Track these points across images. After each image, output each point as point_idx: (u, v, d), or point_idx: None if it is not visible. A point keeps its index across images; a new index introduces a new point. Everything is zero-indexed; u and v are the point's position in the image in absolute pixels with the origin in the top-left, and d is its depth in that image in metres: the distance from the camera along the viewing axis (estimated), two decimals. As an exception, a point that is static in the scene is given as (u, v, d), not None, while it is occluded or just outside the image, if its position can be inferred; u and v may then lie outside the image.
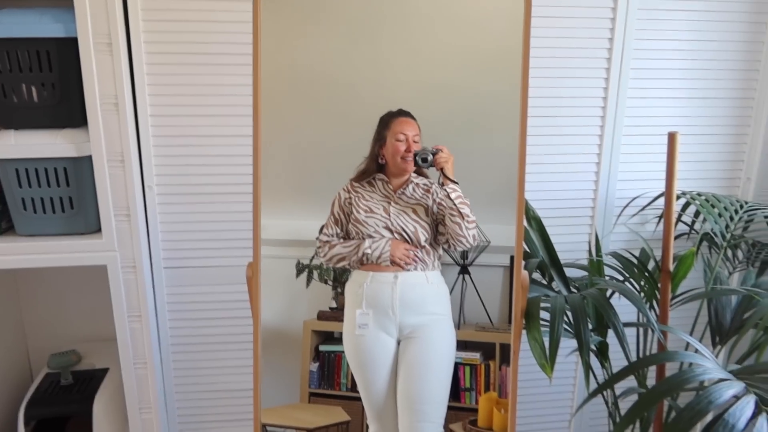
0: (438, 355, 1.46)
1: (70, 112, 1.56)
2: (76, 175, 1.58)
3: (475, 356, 1.71)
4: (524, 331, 1.22)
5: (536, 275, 1.40)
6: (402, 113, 1.44)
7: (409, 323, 1.44)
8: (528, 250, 1.41)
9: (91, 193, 1.59)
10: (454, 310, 1.56)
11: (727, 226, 1.45)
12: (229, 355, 1.79)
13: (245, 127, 1.57)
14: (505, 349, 1.62)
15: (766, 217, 1.54)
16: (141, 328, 1.68)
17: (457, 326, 1.62)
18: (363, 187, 1.45)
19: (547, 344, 1.06)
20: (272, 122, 1.42)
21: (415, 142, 1.41)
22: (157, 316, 1.71)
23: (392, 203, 1.43)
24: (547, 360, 1.03)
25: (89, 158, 1.55)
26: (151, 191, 1.63)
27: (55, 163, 1.55)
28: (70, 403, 1.86)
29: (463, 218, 1.36)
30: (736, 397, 0.90)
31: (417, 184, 1.43)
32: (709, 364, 0.98)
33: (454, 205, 1.36)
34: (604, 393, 1.38)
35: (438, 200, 1.40)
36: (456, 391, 1.72)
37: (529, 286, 1.13)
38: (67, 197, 1.59)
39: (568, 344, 1.68)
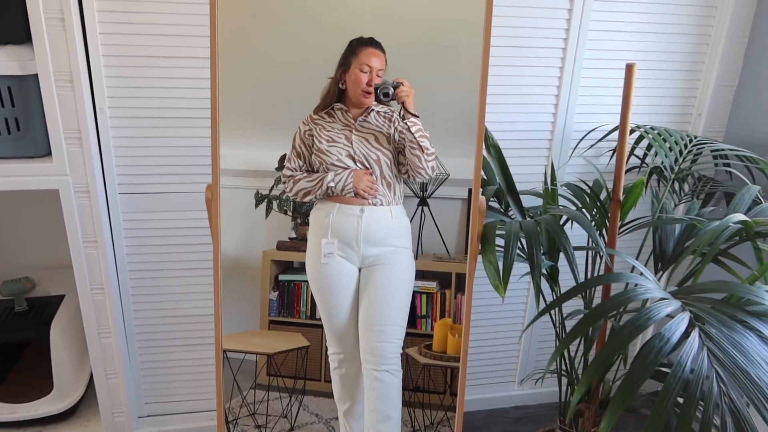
0: (397, 282, 1.51)
1: (12, 27, 1.48)
2: (22, 94, 1.51)
3: (431, 285, 1.77)
4: (479, 256, 1.26)
5: (493, 203, 1.44)
6: (372, 43, 1.41)
7: (371, 254, 1.47)
8: (486, 179, 1.43)
9: (39, 114, 1.53)
10: (412, 241, 1.61)
11: (676, 160, 1.50)
12: (188, 281, 1.79)
13: (202, 48, 1.52)
14: (461, 278, 1.67)
15: (713, 151, 1.60)
16: (97, 254, 1.66)
17: (415, 256, 1.67)
18: (323, 119, 1.44)
19: (501, 267, 1.10)
20: (230, 48, 1.37)
21: (378, 76, 1.40)
22: (114, 243, 1.69)
23: (353, 131, 1.42)
24: (501, 281, 1.07)
25: (35, 77, 1.48)
26: (103, 113, 1.57)
27: (-1, 81, 1.48)
28: (26, 328, 1.85)
29: (422, 151, 1.37)
30: (671, 316, 0.96)
31: (378, 113, 1.42)
32: (651, 285, 1.04)
33: (414, 138, 1.36)
34: (553, 315, 1.46)
35: (399, 129, 1.39)
36: (413, 318, 1.78)
37: (485, 211, 1.16)
38: (13, 118, 1.52)
39: (519, 268, 1.76)
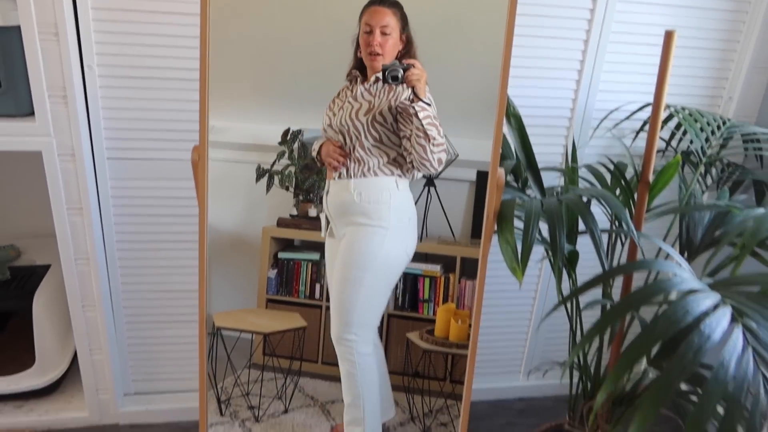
0: (353, 264, 1.42)
1: (-7, -27, 1.37)
2: (3, 48, 1.41)
3: (435, 269, 1.69)
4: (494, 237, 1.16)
5: (510, 179, 1.33)
6: (376, 1, 1.31)
7: (340, 230, 1.43)
8: (502, 154, 1.32)
9: (22, 70, 1.43)
10: (417, 223, 1.52)
11: (707, 140, 1.38)
12: (179, 254, 1.69)
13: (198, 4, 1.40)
14: (466, 262, 1.60)
15: (743, 135, 1.48)
16: (82, 222, 1.56)
17: (420, 238, 1.58)
18: (347, 85, 1.39)
19: (519, 249, 0.99)
20: (232, 16, 1.29)
21: (385, 34, 1.29)
22: (101, 211, 1.59)
23: (348, 100, 1.36)
24: (518, 264, 0.97)
25: (17, 29, 1.38)
26: (91, 71, 1.46)
27: (-22, 32, 1.37)
28: (7, 299, 1.77)
29: (428, 140, 1.26)
30: (713, 309, 0.86)
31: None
32: (686, 274, 0.93)
33: (422, 125, 1.25)
34: (567, 304, 1.35)
35: (399, 103, 1.29)
36: (414, 302, 1.70)
37: (504, 187, 1.05)
38: (-6, 73, 1.42)
39: (533, 252, 1.66)
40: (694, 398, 1.14)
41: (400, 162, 1.36)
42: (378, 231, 1.40)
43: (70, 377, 1.89)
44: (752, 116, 1.81)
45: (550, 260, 1.03)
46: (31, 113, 1.46)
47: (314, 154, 1.42)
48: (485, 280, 1.17)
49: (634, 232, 1.04)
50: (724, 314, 0.85)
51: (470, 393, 1.28)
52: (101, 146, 1.54)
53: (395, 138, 1.33)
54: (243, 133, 1.54)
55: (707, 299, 0.87)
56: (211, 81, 1.19)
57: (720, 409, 0.77)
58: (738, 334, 0.83)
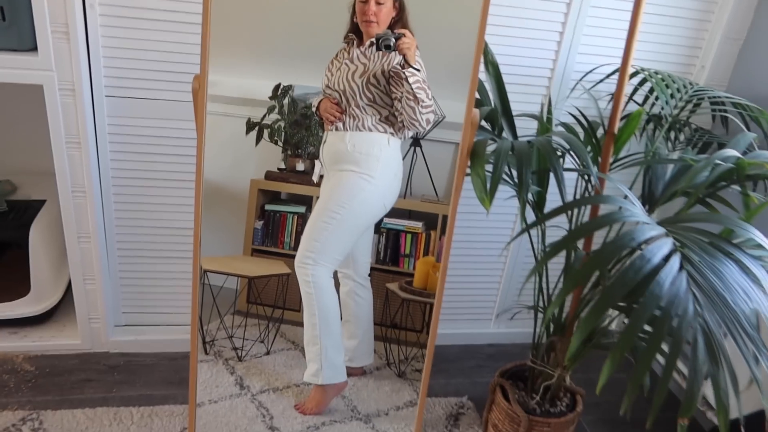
0: (331, 200, 1.55)
1: None
2: (7, -19, 1.45)
3: (417, 225, 1.77)
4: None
5: (486, 125, 1.42)
6: None
7: (332, 175, 1.55)
8: (480, 100, 1.41)
9: (25, 5, 1.47)
10: (402, 181, 1.60)
11: (672, 98, 1.48)
12: (172, 192, 1.76)
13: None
14: (447, 220, 1.68)
15: (710, 98, 1.58)
16: (80, 156, 1.63)
17: (404, 196, 1.67)
18: (344, 48, 1.48)
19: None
20: None
21: (378, 3, 1.38)
22: (98, 146, 1.66)
23: (345, 62, 1.45)
24: (487, 194, 1.06)
25: (22, -37, 1.43)
26: (92, 9, 1.51)
27: (-17, -35, 1.41)
28: (6, 229, 1.84)
29: (417, 102, 1.37)
30: (656, 238, 0.96)
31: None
32: (637, 210, 1.03)
33: (411, 88, 1.36)
34: (535, 249, 1.46)
35: (391, 68, 1.40)
36: (396, 257, 1.79)
37: (478, 126, 1.14)
38: (-1, 7, 1.47)
39: (506, 192, 1.76)
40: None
41: (392, 121, 1.46)
42: (363, 177, 1.51)
43: (63, 307, 1.98)
44: (723, 84, 1.91)
45: (518, 197, 1.12)
46: (33, 48, 1.51)
47: (314, 109, 1.52)
48: (456, 232, 1.26)
49: (592, 171, 1.14)
50: (666, 243, 0.96)
51: (437, 325, 1.38)
52: (100, 83, 1.60)
53: (387, 99, 1.44)
54: (234, 87, 1.59)
55: (652, 230, 0.97)
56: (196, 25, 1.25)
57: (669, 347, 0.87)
58: (675, 259, 0.93)
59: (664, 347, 0.88)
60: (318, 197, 1.60)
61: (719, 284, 0.91)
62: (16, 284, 1.92)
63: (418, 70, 1.36)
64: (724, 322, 0.88)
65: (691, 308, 0.88)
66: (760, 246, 1.02)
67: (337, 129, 1.49)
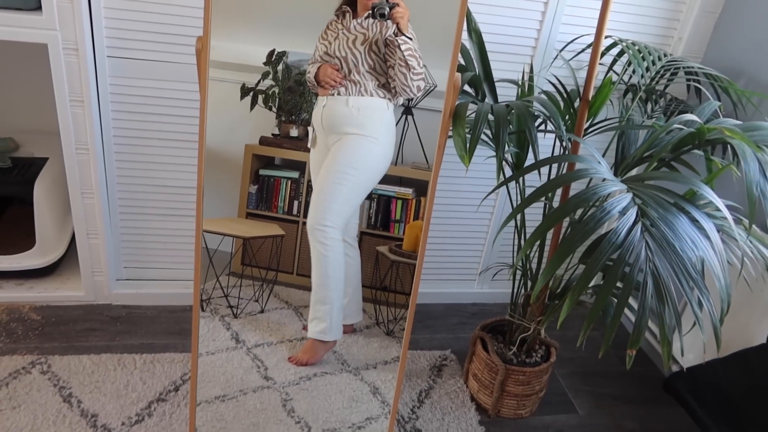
0: (338, 162, 1.61)
1: None
2: (13, -58, 1.50)
3: (407, 191, 1.85)
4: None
5: (470, 91, 1.50)
6: None
7: (332, 139, 1.59)
8: (464, 66, 1.49)
9: (30, -36, 1.53)
10: (394, 149, 1.68)
11: (647, 69, 1.56)
12: (170, 152, 1.84)
13: None
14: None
15: (684, 68, 1.66)
16: (83, 114, 1.70)
17: (395, 163, 1.74)
18: (336, 18, 1.53)
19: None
20: None
21: None
22: (100, 105, 1.72)
23: (342, 31, 1.51)
24: (467, 152, 1.16)
25: (27, -76, 1.48)
26: (94, -29, 1.57)
27: (-11, -76, 1.46)
28: (10, 184, 1.91)
29: (409, 69, 1.45)
30: (617, 193, 1.06)
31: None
32: (603, 169, 1.13)
33: (403, 56, 1.44)
34: (514, 204, 1.55)
35: (389, 42, 1.47)
36: (386, 222, 1.87)
37: (460, 90, 1.23)
38: (3, -34, 1.52)
39: (485, 151, 1.84)
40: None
41: (389, 87, 1.54)
42: (369, 140, 1.59)
43: (66, 261, 2.07)
44: (699, 56, 1.99)
45: (495, 155, 1.21)
46: (37, 8, 1.57)
47: (309, 76, 1.55)
48: (440, 197, 1.35)
49: (564, 132, 1.23)
50: (625, 198, 1.06)
51: (420, 272, 1.48)
52: (102, 44, 1.66)
53: (386, 66, 1.52)
54: (228, 53, 1.64)
55: (614, 186, 1.07)
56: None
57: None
58: (633, 212, 1.03)
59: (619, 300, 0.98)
60: (309, 162, 1.67)
61: (670, 234, 1.01)
62: (21, 238, 2.00)
63: (410, 38, 1.43)
64: (672, 267, 0.98)
65: (643, 254, 0.98)
66: (713, 204, 1.12)
67: (339, 94, 1.54)
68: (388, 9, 1.40)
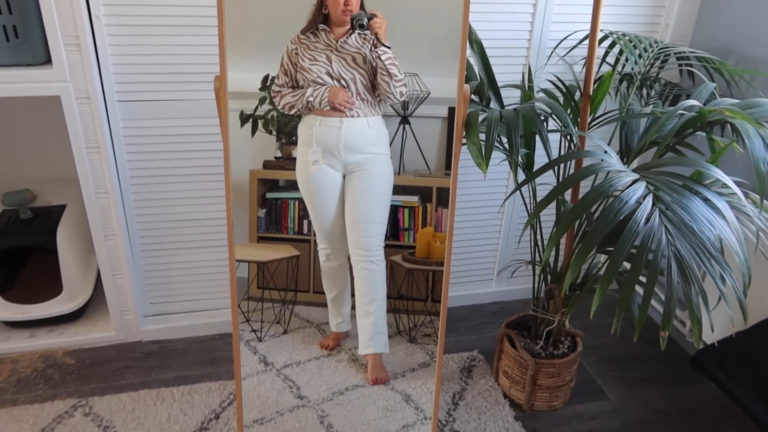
0: (376, 185, 1.68)
1: (5, -68, 1.50)
2: (19, 2, 1.55)
3: (413, 199, 1.89)
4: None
5: (475, 99, 1.55)
6: None
7: (352, 161, 1.63)
8: (467, 77, 1.54)
9: (36, 22, 1.57)
10: (394, 159, 1.72)
11: (640, 57, 1.61)
12: (186, 186, 1.89)
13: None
14: (441, 192, 1.80)
15: (676, 54, 1.71)
16: (100, 160, 1.75)
17: (397, 172, 1.78)
18: (308, 39, 1.55)
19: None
20: None
21: None
22: (114, 149, 1.77)
23: (334, 52, 1.54)
24: (483, 158, 1.20)
25: (31, -16, 1.53)
26: (99, 21, 1.62)
27: (-5, -12, 1.52)
28: (33, 234, 1.95)
29: (391, 77, 1.50)
30: (631, 183, 1.11)
31: (359, 34, 1.53)
32: (614, 161, 1.17)
33: (384, 65, 1.49)
34: (528, 205, 1.60)
35: (372, 56, 1.52)
36: (396, 231, 1.91)
37: (469, 99, 1.28)
38: (11, 26, 1.57)
39: (498, 157, 1.89)
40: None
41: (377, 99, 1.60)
42: (387, 158, 1.65)
43: (93, 303, 2.11)
44: (687, 40, 2.05)
45: (508, 160, 1.26)
46: (47, 62, 1.62)
47: (315, 101, 1.56)
48: (456, 197, 1.40)
49: (573, 130, 1.28)
50: (640, 187, 1.10)
51: (448, 285, 1.52)
52: (111, 90, 1.71)
53: (374, 79, 1.56)
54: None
55: (627, 177, 1.12)
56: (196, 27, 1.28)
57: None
58: (649, 199, 1.08)
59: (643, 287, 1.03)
60: (306, 183, 1.68)
61: (687, 217, 1.06)
62: (46, 284, 2.04)
63: (389, 48, 1.48)
64: (693, 248, 1.03)
65: (664, 239, 1.03)
66: (721, 182, 1.17)
67: (358, 115, 1.58)
68: (366, 20, 1.45)
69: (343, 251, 1.77)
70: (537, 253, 1.76)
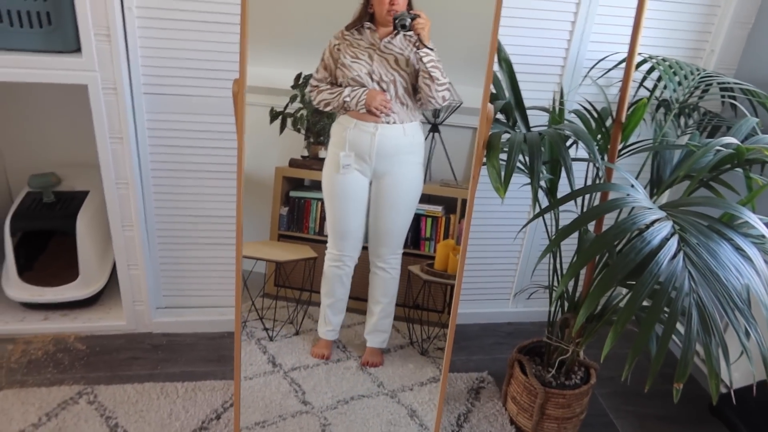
0: (403, 195, 1.65)
1: None
2: (53, -11, 1.56)
3: (437, 209, 1.85)
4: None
5: (501, 117, 1.50)
6: None
7: (381, 168, 1.59)
8: (495, 94, 1.49)
9: (69, 10, 1.58)
10: (424, 162, 1.69)
11: (680, 85, 1.55)
12: (207, 183, 1.88)
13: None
14: (466, 204, 1.76)
15: (719, 83, 1.64)
16: (122, 150, 1.75)
17: (424, 181, 1.75)
18: (352, 35, 1.51)
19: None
20: None
21: None
22: (137, 140, 1.77)
23: (377, 51, 1.49)
24: (501, 184, 1.16)
25: (66, -29, 1.53)
26: (131, 12, 1.62)
27: (31, -26, 1.53)
28: (54, 218, 1.97)
29: (433, 81, 1.46)
30: (656, 221, 1.05)
31: (405, 35, 1.48)
32: (640, 196, 1.12)
33: (426, 68, 1.45)
34: (549, 231, 1.55)
35: (417, 56, 1.47)
36: (417, 240, 1.88)
37: (492, 121, 1.23)
38: (45, 12, 1.58)
39: (521, 179, 1.85)
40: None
41: (418, 104, 1.55)
42: (420, 166, 1.62)
43: (107, 291, 2.12)
44: (732, 68, 1.96)
45: (531, 185, 1.21)
46: (77, 50, 1.63)
47: (352, 102, 1.52)
48: (474, 217, 1.35)
49: (599, 160, 1.22)
50: (666, 226, 1.05)
51: (458, 303, 1.48)
52: (138, 82, 1.71)
53: (415, 82, 1.52)
54: (256, 77, 1.66)
55: (653, 214, 1.06)
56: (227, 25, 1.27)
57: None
58: (674, 241, 1.02)
59: (661, 327, 0.97)
60: (331, 186, 1.66)
61: (713, 263, 1.00)
62: (63, 269, 2.06)
63: (431, 50, 1.44)
64: (717, 297, 0.97)
65: (686, 285, 0.97)
66: (753, 227, 1.11)
67: (395, 122, 1.53)
68: (409, 20, 1.41)
69: (352, 259, 1.74)
70: (555, 279, 1.71)
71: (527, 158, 1.29)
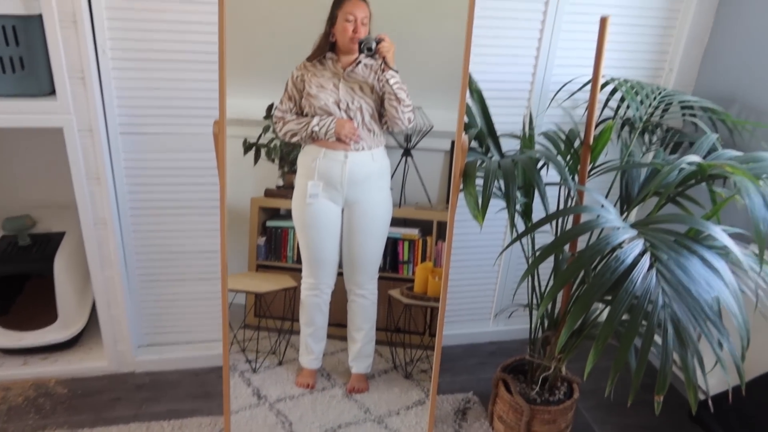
0: (377, 221, 1.68)
1: (16, -33, 1.52)
2: (26, 34, 1.56)
3: (413, 232, 1.88)
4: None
5: (475, 145, 1.55)
6: None
7: (353, 195, 1.61)
8: (468, 123, 1.54)
9: (42, 54, 1.59)
10: (395, 191, 1.72)
11: (642, 103, 1.61)
12: (186, 219, 1.88)
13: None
14: (442, 226, 1.78)
15: (680, 102, 1.71)
16: (100, 191, 1.75)
17: (398, 205, 1.77)
18: (315, 66, 1.54)
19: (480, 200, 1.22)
20: None
21: (363, 24, 1.49)
22: (115, 180, 1.77)
23: (341, 80, 1.52)
24: (479, 211, 1.20)
25: (39, 17, 1.54)
26: (104, 55, 1.64)
27: (3, 21, 1.53)
28: (31, 261, 1.95)
29: (399, 102, 1.50)
30: (628, 241, 1.10)
31: (365, 65, 1.52)
32: (612, 216, 1.17)
33: (392, 89, 1.49)
34: (527, 252, 1.59)
35: (380, 81, 1.51)
36: (395, 264, 1.90)
37: (467, 150, 1.27)
38: (18, 57, 1.58)
39: (497, 205, 1.89)
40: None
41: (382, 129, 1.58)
42: (388, 191, 1.64)
43: (88, 331, 2.09)
44: (690, 85, 2.05)
45: (507, 209, 1.25)
46: (51, 93, 1.63)
47: (321, 131, 1.54)
48: (453, 240, 1.39)
49: (571, 184, 1.27)
50: (637, 244, 1.09)
51: (443, 327, 1.51)
52: (114, 122, 1.72)
53: (380, 108, 1.55)
54: (229, 108, 1.67)
55: (625, 233, 1.11)
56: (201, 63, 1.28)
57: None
58: (646, 258, 1.07)
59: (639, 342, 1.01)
60: (301, 216, 1.67)
61: (684, 277, 1.04)
62: (41, 311, 2.03)
63: (396, 72, 1.48)
64: (690, 310, 1.01)
65: (660, 300, 1.01)
66: (719, 240, 1.16)
67: (363, 149, 1.55)
68: (374, 44, 1.45)
69: (329, 286, 1.76)
70: (534, 298, 1.75)
71: (502, 183, 1.33)
